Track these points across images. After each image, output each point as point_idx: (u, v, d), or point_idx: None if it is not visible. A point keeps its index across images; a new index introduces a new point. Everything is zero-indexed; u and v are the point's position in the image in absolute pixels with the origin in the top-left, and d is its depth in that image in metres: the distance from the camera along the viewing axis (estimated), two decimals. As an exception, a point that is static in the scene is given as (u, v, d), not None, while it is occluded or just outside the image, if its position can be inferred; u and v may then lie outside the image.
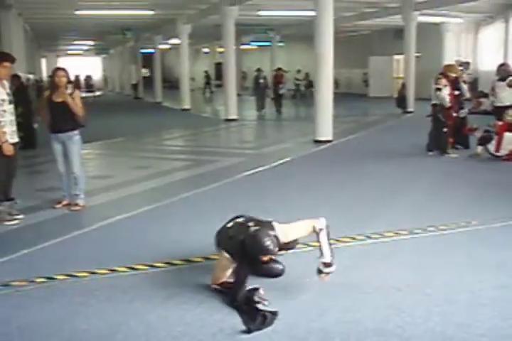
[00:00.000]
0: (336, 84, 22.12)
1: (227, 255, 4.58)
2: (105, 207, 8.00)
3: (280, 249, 4.54)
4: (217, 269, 4.75)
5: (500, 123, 10.83)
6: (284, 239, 4.55)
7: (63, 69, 7.65)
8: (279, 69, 24.55)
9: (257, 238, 4.40)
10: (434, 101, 11.42)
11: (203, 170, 10.67)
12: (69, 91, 7.47)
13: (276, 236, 4.47)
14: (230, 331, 4.07)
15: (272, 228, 4.54)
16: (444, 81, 11.25)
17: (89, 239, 6.47)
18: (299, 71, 32.76)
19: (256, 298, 4.35)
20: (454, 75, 11.63)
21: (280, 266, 5.01)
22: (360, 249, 5.85)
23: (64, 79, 7.48)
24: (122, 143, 15.43)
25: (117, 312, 4.44)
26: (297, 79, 32.61)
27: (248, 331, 4.04)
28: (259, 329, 4.06)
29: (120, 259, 5.59)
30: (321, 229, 4.58)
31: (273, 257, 4.64)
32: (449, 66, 12.27)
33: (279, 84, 22.97)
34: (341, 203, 7.78)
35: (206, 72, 39.97)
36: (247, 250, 4.43)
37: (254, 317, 4.17)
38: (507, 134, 10.67)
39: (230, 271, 4.67)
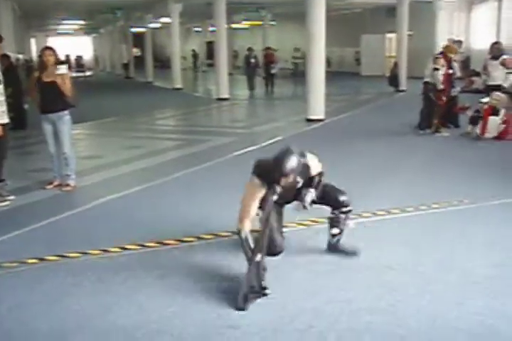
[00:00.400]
0: (328, 62, 21.96)
1: (257, 180, 4.59)
2: (96, 187, 7.97)
3: (309, 185, 4.78)
4: (244, 201, 4.65)
5: (485, 107, 10.78)
6: (313, 171, 4.78)
7: (51, 49, 7.57)
8: (269, 48, 24.21)
9: (285, 155, 4.41)
10: (426, 79, 11.40)
11: (194, 149, 10.63)
12: (61, 71, 7.38)
13: (306, 164, 4.64)
14: (220, 310, 4.08)
15: (304, 155, 4.71)
16: (442, 61, 11.23)
17: (81, 219, 6.44)
18: (297, 49, 32.20)
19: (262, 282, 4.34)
20: (452, 56, 11.62)
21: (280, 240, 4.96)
22: (351, 228, 5.83)
23: (51, 58, 7.40)
24: (113, 123, 15.34)
25: (109, 292, 4.44)
26: (295, 58, 32.03)
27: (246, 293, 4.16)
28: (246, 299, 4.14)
29: (112, 239, 5.56)
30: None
31: (292, 185, 4.62)
32: (448, 47, 12.20)
33: (271, 63, 22.65)
34: (332, 182, 7.74)
35: (194, 50, 39.62)
36: (273, 167, 4.41)
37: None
38: (492, 118, 10.63)
39: (255, 206, 4.60)
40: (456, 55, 12.53)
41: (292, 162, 4.38)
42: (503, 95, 10.71)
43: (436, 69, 11.15)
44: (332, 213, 5.05)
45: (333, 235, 5.07)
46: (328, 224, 5.11)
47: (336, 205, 5.02)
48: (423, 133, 11.37)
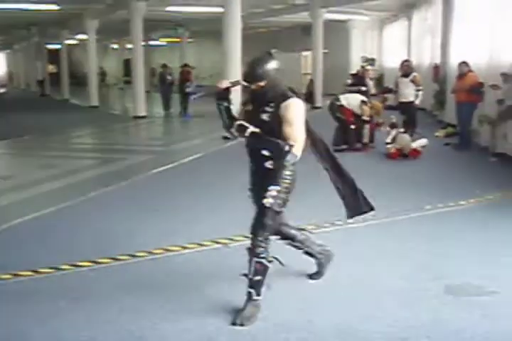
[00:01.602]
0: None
1: None
2: (7, 209, 7.72)
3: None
4: None
5: (392, 150, 10.82)
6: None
7: None
8: (186, 65, 22.77)
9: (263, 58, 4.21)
10: (333, 101, 11.68)
11: (111, 168, 10.47)
12: None
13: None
14: (138, 333, 4.00)
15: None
16: (368, 110, 11.50)
17: (-9, 242, 6.21)
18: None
19: None
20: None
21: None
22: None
23: None
24: (27, 141, 14.92)
25: (21, 317, 4.27)
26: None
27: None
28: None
29: (23, 263, 5.37)
30: None
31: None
32: (378, 107, 12.46)
33: (186, 81, 21.09)
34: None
35: (101, 68, 38.99)
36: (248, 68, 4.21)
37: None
38: (402, 135, 10.90)
39: None
40: (368, 72, 12.87)
41: (270, 65, 4.13)
42: (406, 137, 10.93)
43: (364, 121, 11.49)
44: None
45: None
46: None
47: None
48: (339, 149, 11.56)
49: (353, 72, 18.13)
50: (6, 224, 6.81)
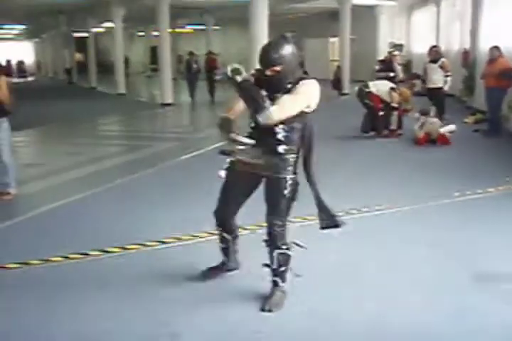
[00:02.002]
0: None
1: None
2: (37, 195, 7.81)
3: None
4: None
5: (421, 135, 10.72)
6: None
7: None
8: (210, 52, 22.92)
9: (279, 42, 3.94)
10: (362, 86, 11.54)
11: (138, 155, 10.53)
12: None
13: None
14: (164, 320, 4.02)
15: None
16: (397, 97, 11.33)
17: (21, 228, 6.29)
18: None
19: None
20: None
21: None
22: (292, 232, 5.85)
23: None
24: (56, 129, 15.06)
25: (48, 304, 4.32)
26: None
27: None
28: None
29: (53, 248, 5.42)
30: None
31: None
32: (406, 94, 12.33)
33: (213, 69, 21.12)
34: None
35: (124, 56, 39.11)
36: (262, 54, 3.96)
37: None
38: (431, 120, 10.75)
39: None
40: (396, 57, 12.72)
41: (286, 49, 3.89)
42: (436, 121, 10.78)
43: (393, 108, 11.32)
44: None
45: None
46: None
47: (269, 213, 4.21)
48: (367, 136, 11.50)
49: (381, 58, 17.97)
50: (36, 210, 6.89)
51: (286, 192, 4.09)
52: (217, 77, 20.58)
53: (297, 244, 4.28)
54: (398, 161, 9.30)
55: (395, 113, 11.58)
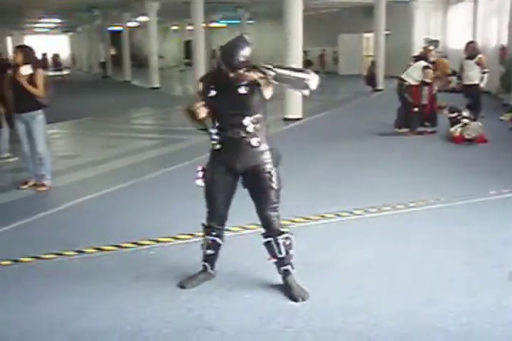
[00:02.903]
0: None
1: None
2: (72, 187, 7.90)
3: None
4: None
5: (455, 134, 10.46)
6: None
7: (22, 47, 7.48)
8: None
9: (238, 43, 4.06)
10: (402, 78, 11.42)
11: (172, 148, 10.59)
12: (24, 72, 7.23)
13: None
14: (198, 311, 4.05)
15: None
16: (431, 74, 11.20)
17: (56, 220, 6.38)
18: None
19: None
20: (432, 59, 11.66)
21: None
22: (328, 227, 5.85)
23: (18, 58, 7.30)
24: (90, 122, 15.23)
25: (83, 294, 4.38)
26: None
27: None
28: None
29: (87, 240, 5.51)
30: None
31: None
32: (443, 63, 12.20)
33: None
34: (310, 180, 7.77)
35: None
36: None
37: None
38: (475, 123, 10.58)
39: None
40: (431, 53, 12.55)
41: (248, 51, 4.01)
42: (476, 125, 10.61)
43: (426, 83, 11.17)
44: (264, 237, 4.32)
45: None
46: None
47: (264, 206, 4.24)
48: (403, 133, 11.39)
49: (416, 54, 17.78)
50: (71, 202, 6.99)
51: (274, 184, 4.17)
52: None
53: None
54: (433, 158, 9.20)
55: (426, 88, 11.33)
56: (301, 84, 4.03)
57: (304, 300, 4.17)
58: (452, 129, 10.58)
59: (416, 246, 5.29)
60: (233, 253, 4.92)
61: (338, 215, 6.14)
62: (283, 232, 4.23)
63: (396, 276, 4.62)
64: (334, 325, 3.84)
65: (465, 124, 10.50)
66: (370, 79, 21.77)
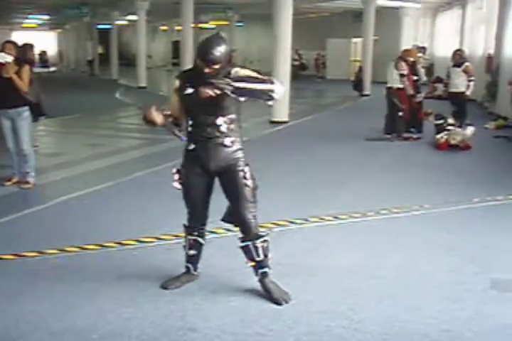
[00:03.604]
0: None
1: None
2: (56, 185, 7.85)
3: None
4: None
5: (441, 141, 10.52)
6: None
7: (10, 43, 7.43)
8: None
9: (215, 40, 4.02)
10: (389, 85, 11.49)
11: (157, 148, 10.55)
12: (1, 59, 7.16)
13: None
14: (180, 313, 4.04)
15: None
16: (404, 65, 11.28)
17: (39, 217, 6.34)
18: (296, 51, 31.67)
19: None
20: (411, 60, 11.68)
21: None
22: (314, 231, 5.86)
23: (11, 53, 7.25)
24: (76, 120, 15.16)
25: (66, 293, 4.36)
26: (294, 60, 31.51)
27: None
28: None
29: (70, 239, 5.47)
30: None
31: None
32: (407, 51, 12.29)
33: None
34: (295, 185, 7.78)
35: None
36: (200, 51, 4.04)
37: None
38: (457, 130, 10.66)
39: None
40: (419, 60, 12.64)
41: (224, 47, 3.97)
42: (461, 131, 10.69)
43: (402, 75, 11.21)
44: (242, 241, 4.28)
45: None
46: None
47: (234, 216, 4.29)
48: (388, 138, 11.44)
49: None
50: (54, 200, 6.95)
51: (248, 182, 4.14)
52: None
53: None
54: (418, 165, 9.24)
55: (404, 80, 11.36)
56: (264, 96, 3.97)
57: (287, 302, 4.16)
58: (438, 136, 10.64)
59: (400, 252, 5.31)
60: (217, 254, 4.93)
61: (322, 219, 6.16)
62: (261, 236, 4.21)
63: (380, 282, 4.63)
64: (317, 329, 3.84)
65: (449, 131, 10.58)
66: (357, 84, 21.84)
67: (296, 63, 30.84)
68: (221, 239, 5.42)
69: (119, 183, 7.81)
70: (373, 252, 5.29)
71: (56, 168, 8.78)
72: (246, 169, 4.17)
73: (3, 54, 7.20)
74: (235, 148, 4.17)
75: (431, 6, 25.94)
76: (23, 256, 5.07)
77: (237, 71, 4.04)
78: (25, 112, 7.42)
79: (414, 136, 11.63)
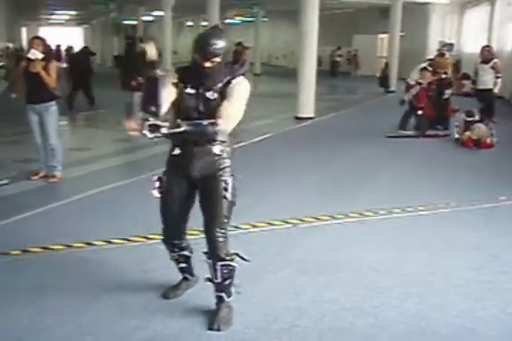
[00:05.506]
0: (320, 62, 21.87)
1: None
2: (83, 179, 7.92)
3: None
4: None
5: (464, 138, 10.53)
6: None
7: (38, 38, 7.51)
8: (239, 44, 17.53)
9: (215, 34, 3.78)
10: (410, 82, 11.55)
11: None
12: (31, 56, 7.26)
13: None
14: (205, 308, 4.06)
15: None
16: (428, 76, 11.27)
17: (66, 211, 6.40)
18: (339, 48, 31.77)
19: None
20: (443, 71, 11.69)
21: None
22: (338, 228, 5.85)
23: (39, 49, 7.33)
24: (104, 115, 15.25)
25: (91, 287, 4.40)
26: (339, 56, 31.68)
27: None
28: None
29: (96, 232, 5.53)
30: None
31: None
32: (440, 62, 12.17)
33: (235, 64, 16.33)
34: (321, 181, 7.77)
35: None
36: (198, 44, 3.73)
37: None
38: (479, 125, 10.58)
39: None
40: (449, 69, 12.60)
41: (224, 40, 3.74)
42: (483, 127, 10.60)
43: (418, 83, 11.29)
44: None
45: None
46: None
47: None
48: (413, 135, 11.35)
49: (430, 56, 17.72)
50: (81, 194, 7.01)
51: (228, 194, 3.78)
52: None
53: (241, 257, 3.92)
54: (442, 162, 9.18)
55: (417, 87, 11.41)
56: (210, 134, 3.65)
57: (219, 330, 3.78)
58: (465, 133, 10.55)
59: (425, 250, 5.28)
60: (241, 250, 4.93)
61: (346, 216, 6.14)
62: (223, 259, 3.79)
63: (404, 280, 4.61)
64: (341, 326, 3.84)
65: (471, 127, 10.54)
66: (383, 81, 21.71)
67: (339, 59, 30.77)
68: (247, 234, 5.43)
69: (145, 178, 7.82)
70: (398, 250, 5.27)
71: (83, 162, 8.86)
72: (229, 180, 3.80)
73: (34, 50, 7.29)
74: (223, 155, 3.81)
75: (459, 1, 25.65)
76: (50, 249, 5.12)
77: (237, 83, 3.75)
78: (53, 107, 7.49)
79: (441, 133, 11.54)
